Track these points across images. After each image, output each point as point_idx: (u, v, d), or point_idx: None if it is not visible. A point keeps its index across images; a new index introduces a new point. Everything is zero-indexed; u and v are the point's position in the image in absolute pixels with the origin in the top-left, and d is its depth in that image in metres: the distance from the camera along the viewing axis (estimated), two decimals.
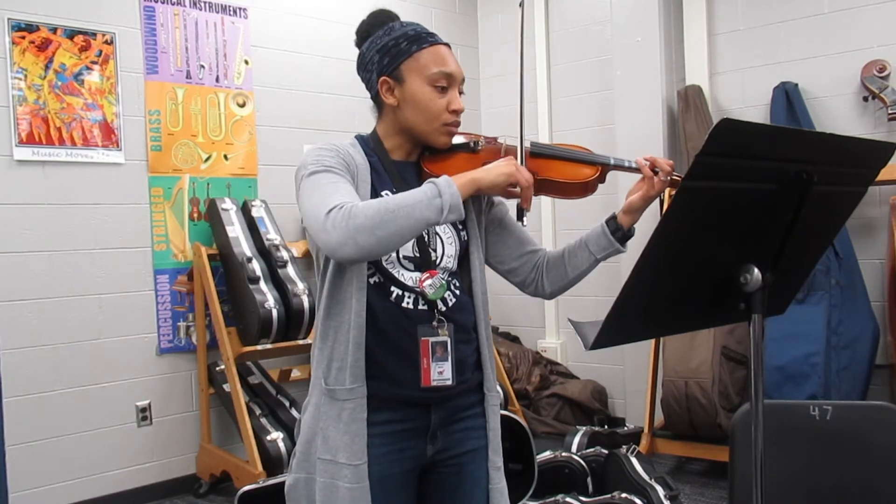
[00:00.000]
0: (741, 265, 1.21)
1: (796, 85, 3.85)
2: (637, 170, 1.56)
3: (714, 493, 3.47)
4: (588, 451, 3.37)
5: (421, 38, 1.56)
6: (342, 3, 4.21)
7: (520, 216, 1.53)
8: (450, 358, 1.51)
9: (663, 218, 1.12)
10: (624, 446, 3.24)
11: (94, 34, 3.47)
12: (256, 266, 3.50)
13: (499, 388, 4.02)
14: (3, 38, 3.24)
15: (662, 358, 3.75)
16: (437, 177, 1.49)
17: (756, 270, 1.20)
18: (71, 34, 3.41)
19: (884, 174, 1.33)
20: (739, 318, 1.25)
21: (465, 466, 1.59)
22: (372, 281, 1.50)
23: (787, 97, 3.82)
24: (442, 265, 1.56)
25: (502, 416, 3.15)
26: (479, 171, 1.44)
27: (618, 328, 1.19)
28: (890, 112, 3.50)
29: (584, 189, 1.60)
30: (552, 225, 4.77)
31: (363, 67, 1.61)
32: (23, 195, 3.28)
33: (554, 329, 4.86)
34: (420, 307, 1.52)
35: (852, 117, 3.76)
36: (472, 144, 1.63)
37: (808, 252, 1.37)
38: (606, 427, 4.10)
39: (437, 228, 1.57)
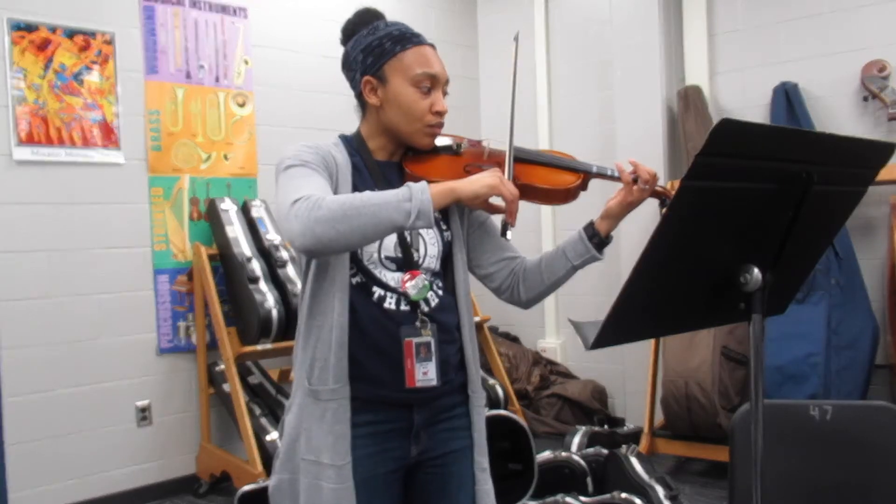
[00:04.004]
0: (741, 265, 1.21)
1: (796, 85, 3.85)
2: (618, 178, 1.56)
3: (714, 493, 3.47)
4: (588, 450, 3.37)
5: (405, 39, 1.54)
6: (342, 3, 4.19)
7: (503, 231, 1.49)
8: (434, 358, 1.50)
9: (663, 218, 1.12)
10: (624, 446, 3.24)
11: (93, 34, 3.47)
12: (256, 266, 3.50)
13: (498, 388, 4.03)
14: (3, 38, 3.24)
15: (662, 358, 3.75)
16: (419, 178, 1.49)
17: (756, 270, 1.20)
18: (71, 34, 3.41)
19: (884, 174, 1.33)
20: (739, 318, 1.25)
21: (450, 467, 1.58)
22: (354, 281, 1.49)
23: (787, 97, 3.82)
24: (425, 265, 1.55)
25: (502, 416, 3.17)
26: (461, 182, 1.40)
27: (618, 328, 1.19)
28: (890, 112, 3.51)
29: (565, 196, 1.59)
30: (552, 225, 4.77)
31: (347, 66, 1.60)
32: (23, 195, 3.28)
33: (554, 329, 4.86)
34: (402, 308, 1.51)
35: (852, 117, 3.76)
36: (455, 147, 1.62)
37: (808, 252, 1.37)
38: (606, 427, 4.10)
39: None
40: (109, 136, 3.52)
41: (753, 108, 4.03)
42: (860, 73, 3.64)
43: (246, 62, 3.97)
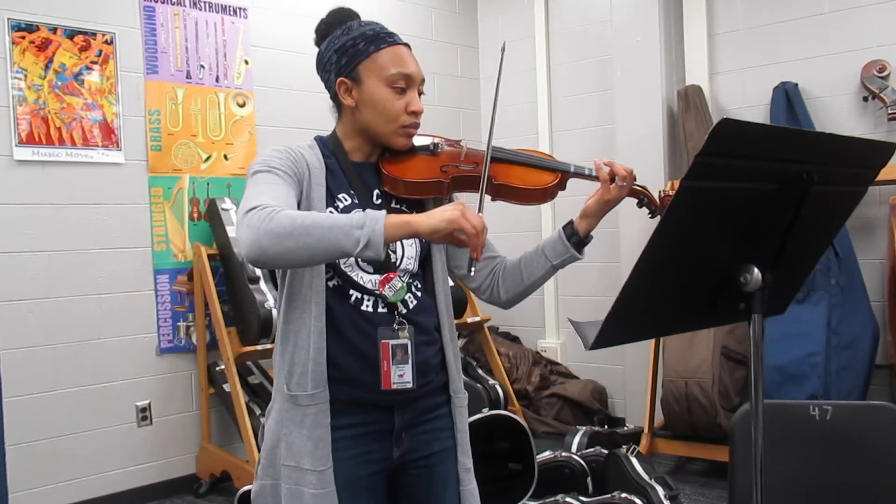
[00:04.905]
0: (741, 265, 1.21)
1: (796, 85, 3.85)
2: (596, 177, 1.56)
3: (714, 493, 3.47)
4: (588, 451, 3.37)
5: (379, 39, 1.53)
6: (342, 4, 4.20)
7: (469, 266, 1.47)
8: (410, 360, 1.49)
9: (663, 218, 1.12)
10: (624, 446, 3.24)
11: (94, 34, 3.47)
12: None
13: (498, 388, 4.02)
14: (3, 38, 3.24)
15: (662, 358, 3.75)
16: (396, 178, 1.50)
17: (756, 270, 1.20)
18: (71, 34, 3.41)
19: (884, 174, 1.33)
20: (739, 318, 1.25)
21: (434, 468, 1.58)
22: (331, 284, 1.49)
23: (787, 97, 3.82)
24: (402, 267, 1.54)
25: (502, 416, 3.17)
26: (420, 216, 1.34)
27: (618, 328, 1.19)
28: (890, 112, 3.51)
29: (543, 195, 1.60)
30: (552, 225, 4.77)
31: (322, 67, 1.59)
32: (23, 195, 3.28)
33: (554, 329, 4.86)
34: (380, 310, 1.50)
35: (852, 117, 3.76)
36: (432, 147, 1.61)
37: (808, 252, 1.37)
38: (606, 427, 4.10)
39: None
40: (109, 136, 3.52)
41: (753, 108, 4.03)
42: (860, 73, 3.64)
43: (246, 62, 3.97)
